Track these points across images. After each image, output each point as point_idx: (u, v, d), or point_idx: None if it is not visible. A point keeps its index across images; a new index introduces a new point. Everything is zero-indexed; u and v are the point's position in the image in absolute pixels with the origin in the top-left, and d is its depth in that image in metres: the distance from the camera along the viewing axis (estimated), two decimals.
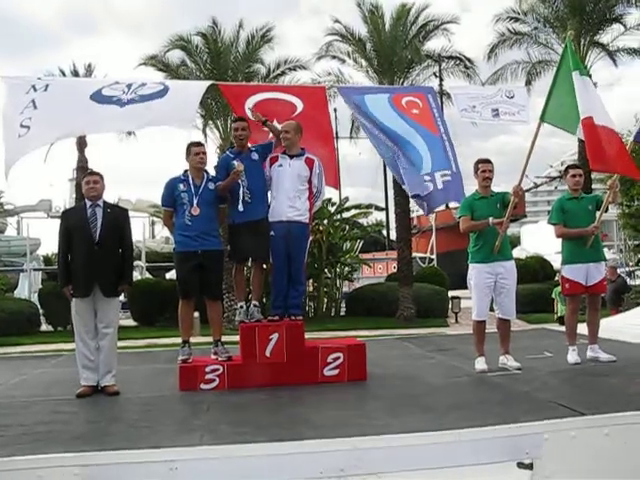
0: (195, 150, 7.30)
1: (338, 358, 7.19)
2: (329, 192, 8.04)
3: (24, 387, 7.72)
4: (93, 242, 6.88)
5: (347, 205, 27.08)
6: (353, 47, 23.68)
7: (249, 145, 7.64)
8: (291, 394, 6.64)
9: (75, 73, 24.38)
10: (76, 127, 7.72)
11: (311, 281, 24.13)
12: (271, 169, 7.46)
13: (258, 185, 7.40)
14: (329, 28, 23.58)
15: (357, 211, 27.83)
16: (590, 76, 7.94)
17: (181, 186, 7.21)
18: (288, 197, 7.33)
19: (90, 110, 7.27)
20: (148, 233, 44.74)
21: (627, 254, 35.27)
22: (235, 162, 7.21)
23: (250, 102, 8.06)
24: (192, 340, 7.43)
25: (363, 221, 29.26)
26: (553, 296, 17.05)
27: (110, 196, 7.35)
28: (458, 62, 24.23)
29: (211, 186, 7.26)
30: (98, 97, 7.32)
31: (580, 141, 20.16)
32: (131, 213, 7.81)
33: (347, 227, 27.11)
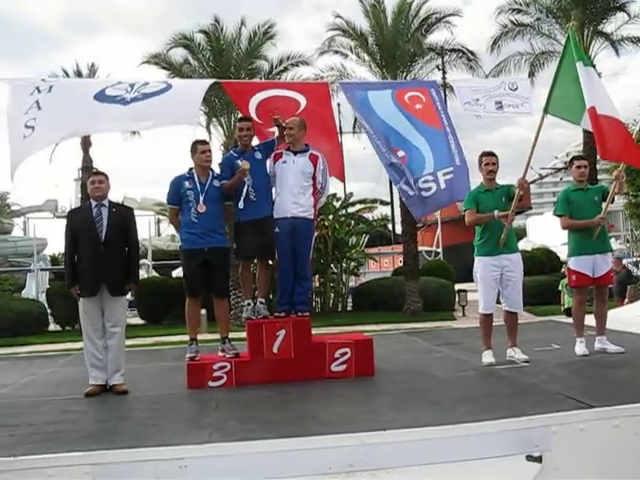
0: (201, 148, 7.31)
1: (345, 353, 7.19)
2: (334, 187, 8.11)
3: (33, 387, 7.74)
4: (99, 242, 6.89)
5: (352, 200, 27.09)
6: (355, 42, 23.66)
7: (252, 145, 7.64)
8: (299, 390, 6.64)
9: (78, 73, 24.45)
10: (80, 127, 7.75)
11: (317, 276, 24.18)
12: (275, 166, 7.46)
13: (262, 183, 7.41)
14: (331, 23, 23.60)
15: (362, 206, 27.83)
16: (594, 66, 7.91)
17: (187, 184, 7.22)
18: (292, 193, 7.33)
19: (94, 110, 7.29)
20: (154, 231, 44.84)
21: (634, 244, 35.19)
22: (240, 161, 7.21)
23: (255, 101, 8.05)
24: (199, 337, 7.44)
25: (368, 216, 29.26)
26: (560, 288, 17.00)
27: (115, 195, 7.37)
28: (461, 55, 24.19)
29: (216, 183, 7.26)
30: (101, 97, 7.35)
31: (585, 132, 20.23)
32: (136, 212, 7.83)
33: (352, 222, 27.12)
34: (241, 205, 7.31)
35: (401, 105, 8.26)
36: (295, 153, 7.42)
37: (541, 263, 25.54)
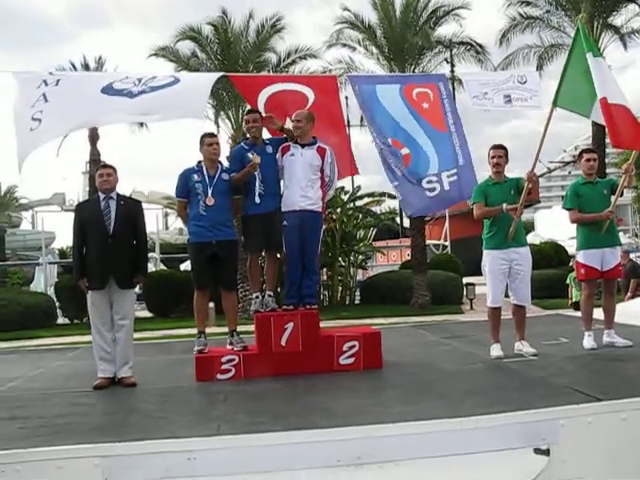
0: (208, 141, 7.32)
1: (354, 346, 7.20)
2: (343, 180, 8.05)
3: (42, 380, 7.78)
4: (107, 235, 6.91)
5: (360, 193, 27.04)
6: (363, 34, 23.56)
7: (263, 138, 7.63)
8: (307, 383, 6.66)
9: (86, 66, 24.45)
10: (87, 119, 7.76)
11: (325, 270, 24.16)
12: (283, 159, 7.46)
13: (272, 178, 7.42)
14: (339, 16, 23.48)
15: (370, 199, 27.77)
16: (604, 58, 7.87)
17: (195, 177, 7.23)
18: (300, 187, 7.32)
19: (101, 103, 7.30)
20: (162, 225, 44.87)
21: None
22: (251, 154, 7.22)
23: (263, 96, 8.03)
24: (207, 331, 7.47)
25: (376, 209, 29.19)
26: (568, 282, 16.96)
27: (124, 188, 7.38)
28: (469, 48, 24.05)
29: (225, 177, 7.27)
30: (109, 90, 7.36)
31: (594, 125, 20.14)
32: (144, 205, 7.83)
33: (360, 215, 27.07)
34: (251, 200, 7.32)
35: (409, 102, 8.24)
36: (303, 146, 7.42)
37: (549, 257, 25.44)
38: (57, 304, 22.91)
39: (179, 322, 18.66)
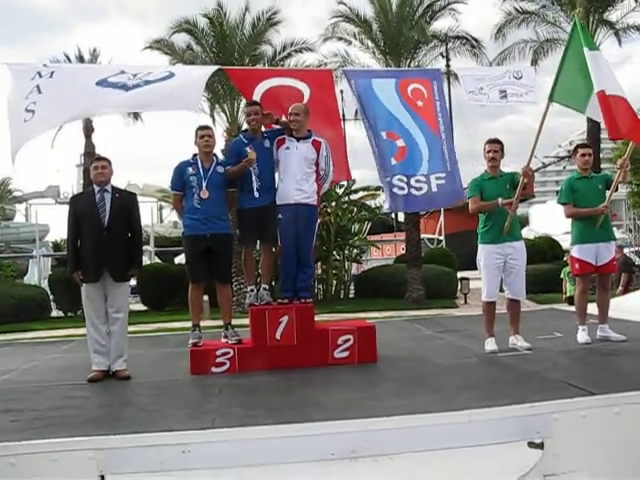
0: (200, 133, 7.32)
1: (348, 340, 7.21)
2: (337, 174, 8.00)
3: (36, 372, 7.77)
4: (102, 227, 6.89)
5: (355, 187, 27.03)
6: (359, 28, 23.54)
7: (262, 130, 7.61)
8: (301, 376, 6.67)
9: (80, 58, 24.33)
10: (81, 110, 7.70)
11: (320, 263, 24.18)
12: (278, 152, 7.45)
13: (268, 172, 7.42)
14: (334, 10, 23.45)
15: (365, 193, 27.79)
16: (600, 52, 7.85)
17: (190, 169, 7.22)
18: (295, 180, 7.31)
19: (95, 95, 7.27)
20: (156, 218, 44.72)
21: (636, 233, 35.18)
22: (249, 150, 7.20)
23: (259, 91, 8.01)
24: (202, 324, 7.46)
25: (371, 203, 29.19)
26: (562, 276, 17.00)
27: (119, 181, 7.36)
28: (465, 42, 24.04)
29: (220, 170, 7.26)
30: (103, 83, 7.32)
31: (589, 120, 20.12)
32: (139, 198, 7.81)
33: (355, 209, 27.10)
34: (247, 193, 7.31)
35: (404, 99, 8.22)
36: (298, 139, 7.40)
37: (543, 251, 25.50)
38: (51, 297, 22.87)
39: (173, 315, 18.66)
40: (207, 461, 4.55)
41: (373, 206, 29.17)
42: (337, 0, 23.49)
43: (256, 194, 7.31)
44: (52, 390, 6.52)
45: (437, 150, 8.05)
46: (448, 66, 24.65)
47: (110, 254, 6.85)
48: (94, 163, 7.20)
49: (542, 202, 47.90)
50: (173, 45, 23.34)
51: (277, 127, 7.66)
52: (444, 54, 25.84)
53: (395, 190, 7.93)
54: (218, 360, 7.02)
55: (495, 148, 7.57)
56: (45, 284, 24.60)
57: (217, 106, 22.99)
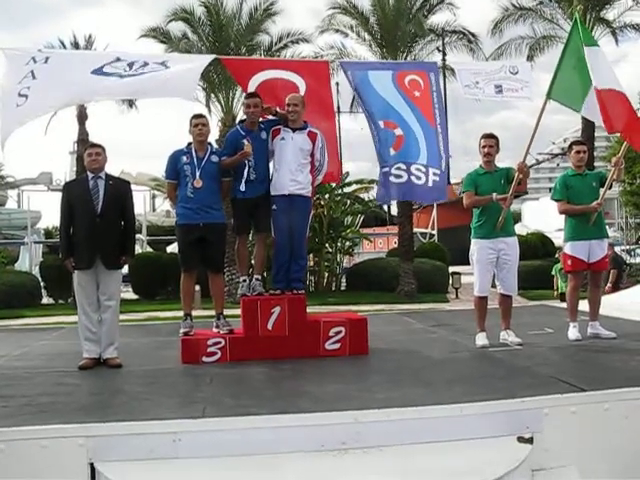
0: (195, 122, 7.30)
1: (340, 332, 7.21)
2: (331, 167, 7.98)
3: (27, 359, 7.75)
4: (95, 214, 6.86)
5: (348, 180, 27.01)
6: (356, 21, 23.47)
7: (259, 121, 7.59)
8: (293, 367, 6.67)
9: (75, 44, 24.16)
10: (75, 96, 7.65)
11: (312, 255, 24.16)
12: (273, 142, 7.44)
13: (264, 164, 7.42)
14: (332, 1, 23.35)
15: (358, 186, 27.78)
16: (599, 47, 7.84)
17: (184, 158, 7.20)
18: (290, 171, 7.30)
19: (89, 82, 7.23)
20: (149, 207, 44.64)
21: (627, 232, 35.30)
22: (245, 142, 7.18)
23: (254, 82, 7.98)
24: (193, 313, 7.46)
25: (364, 196, 29.19)
26: (553, 273, 17.05)
27: (112, 170, 7.32)
28: (462, 37, 23.99)
29: (214, 159, 7.24)
30: (99, 72, 7.27)
31: (584, 118, 20.12)
32: (132, 186, 7.78)
33: (348, 202, 27.07)
34: (241, 183, 7.30)
35: (401, 89, 8.20)
36: (294, 130, 7.39)
37: (535, 248, 25.57)
38: (42, 284, 22.81)
39: (164, 304, 18.65)
40: (197, 450, 4.55)
41: (366, 199, 29.19)
42: None
43: (250, 185, 7.29)
44: (43, 377, 6.51)
45: (433, 142, 8.02)
46: (444, 60, 24.61)
47: (103, 241, 6.83)
48: (88, 150, 7.17)
49: (535, 199, 47.99)
50: (169, 33, 23.22)
51: (273, 118, 7.63)
52: (440, 48, 25.81)
53: (392, 179, 7.91)
54: (209, 350, 7.02)
55: (490, 143, 7.58)
56: (36, 271, 24.54)
57: (212, 96, 22.90)
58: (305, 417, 4.77)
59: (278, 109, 7.62)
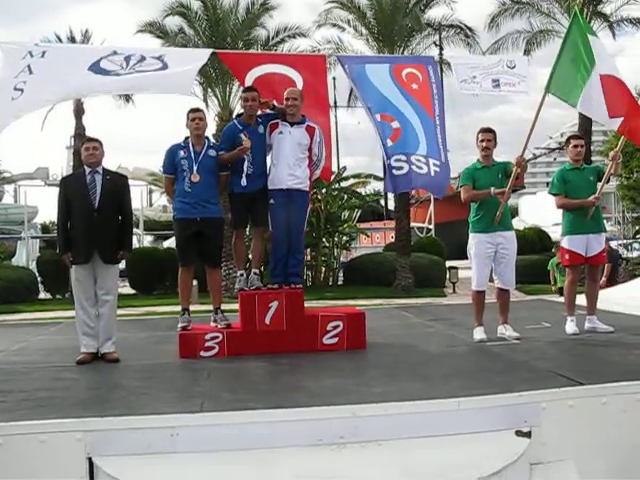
0: (192, 116, 7.27)
1: (338, 326, 7.21)
2: (326, 162, 7.95)
3: (24, 354, 7.74)
4: (92, 209, 6.84)
5: (346, 174, 27.03)
6: (353, 15, 23.46)
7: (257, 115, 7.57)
8: (291, 362, 6.66)
9: (72, 39, 24.13)
10: (72, 90, 7.63)
11: (309, 250, 24.18)
12: (271, 136, 7.42)
13: (261, 158, 7.40)
14: None
15: (356, 180, 27.79)
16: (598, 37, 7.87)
17: (181, 153, 7.18)
18: (288, 165, 7.29)
19: (86, 79, 7.20)
20: (146, 202, 44.63)
21: (625, 226, 35.33)
22: (243, 137, 7.16)
23: (251, 77, 7.96)
24: (191, 308, 7.45)
25: (361, 190, 29.22)
26: (549, 268, 17.06)
27: (109, 164, 7.31)
28: (459, 31, 24.05)
29: (212, 153, 7.22)
30: (96, 69, 7.24)
31: (581, 113, 20.14)
32: (129, 181, 7.76)
33: (345, 196, 27.09)
34: (238, 178, 7.28)
35: (398, 82, 8.19)
36: (292, 124, 7.37)
37: (533, 242, 25.62)
38: (39, 279, 22.80)
39: (162, 299, 18.64)
40: (195, 444, 4.55)
41: (363, 194, 29.21)
42: None
43: (248, 180, 7.28)
44: (41, 372, 6.50)
45: (432, 133, 7.99)
46: (441, 55, 24.58)
47: (100, 236, 6.81)
48: (85, 144, 7.14)
49: (532, 193, 48.08)
50: (166, 28, 23.20)
51: (271, 112, 7.61)
52: (437, 43, 25.80)
53: (394, 171, 7.90)
54: (207, 344, 7.01)
55: (488, 137, 7.57)
56: (33, 266, 24.55)
57: (209, 90, 22.87)
58: (303, 411, 4.77)
59: (276, 103, 7.61)
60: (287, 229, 7.33)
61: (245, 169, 7.26)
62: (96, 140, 7.16)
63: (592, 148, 23.21)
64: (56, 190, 7.25)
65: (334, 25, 23.72)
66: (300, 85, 7.92)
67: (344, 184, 27.09)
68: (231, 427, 4.66)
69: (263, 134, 7.40)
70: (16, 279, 21.45)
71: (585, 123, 21.99)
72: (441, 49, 26.24)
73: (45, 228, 36.59)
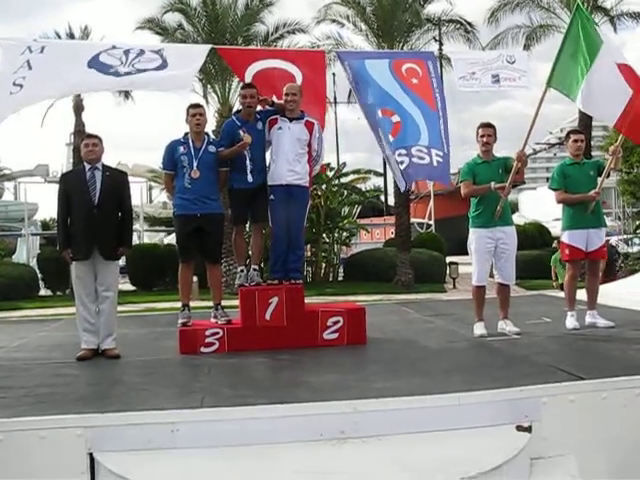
0: (192, 112, 7.26)
1: (338, 322, 7.21)
2: (327, 157, 7.98)
3: (25, 350, 7.75)
4: (92, 205, 6.84)
5: (345, 170, 26.98)
6: (353, 10, 23.38)
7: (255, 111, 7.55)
8: (291, 357, 6.67)
9: (71, 36, 24.08)
10: (71, 86, 7.64)
11: (309, 246, 24.15)
12: (270, 132, 7.41)
13: (261, 155, 7.40)
14: None
15: (356, 176, 27.75)
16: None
17: (181, 149, 7.17)
18: (287, 161, 7.28)
19: (85, 76, 7.19)
20: (145, 198, 44.56)
21: (625, 221, 35.33)
22: (242, 133, 7.15)
23: (250, 72, 7.94)
24: (191, 304, 7.46)
25: (361, 186, 29.19)
26: (551, 263, 17.06)
27: (108, 161, 7.30)
28: (458, 26, 23.93)
29: (211, 149, 7.22)
30: (95, 64, 7.22)
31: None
32: (129, 178, 7.75)
33: (345, 192, 27.05)
34: (238, 174, 7.27)
35: (398, 77, 8.16)
36: (291, 120, 7.36)
37: (533, 238, 25.59)
38: (39, 276, 22.79)
39: (162, 295, 18.59)
40: (195, 440, 4.55)
41: (363, 189, 29.18)
42: None
43: (249, 176, 7.27)
44: (41, 368, 6.51)
45: (435, 125, 7.95)
46: (441, 50, 24.53)
47: (100, 232, 6.81)
48: (85, 140, 7.14)
49: (532, 188, 48.04)
50: (165, 24, 23.14)
51: (270, 108, 7.60)
52: (437, 38, 25.75)
53: (400, 166, 7.88)
54: (207, 340, 7.01)
55: (488, 132, 7.56)
56: (34, 263, 24.52)
57: (209, 86, 22.83)
58: (303, 407, 4.77)
59: (275, 99, 7.60)
60: (287, 225, 7.33)
61: (246, 165, 7.25)
62: (96, 137, 7.16)
63: (592, 143, 23.18)
64: (56, 187, 7.26)
65: (333, 21, 23.63)
66: (299, 80, 7.91)
67: (344, 180, 27.06)
68: (231, 423, 4.66)
69: (262, 130, 7.39)
70: (17, 276, 21.42)
71: (585, 118, 21.92)
72: (441, 44, 26.19)
73: (45, 225, 36.52)
